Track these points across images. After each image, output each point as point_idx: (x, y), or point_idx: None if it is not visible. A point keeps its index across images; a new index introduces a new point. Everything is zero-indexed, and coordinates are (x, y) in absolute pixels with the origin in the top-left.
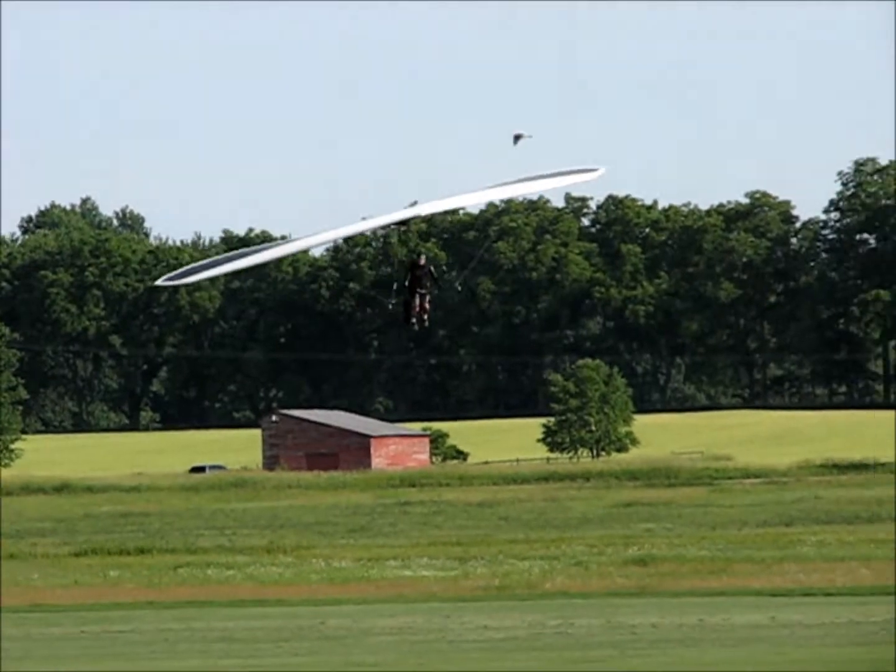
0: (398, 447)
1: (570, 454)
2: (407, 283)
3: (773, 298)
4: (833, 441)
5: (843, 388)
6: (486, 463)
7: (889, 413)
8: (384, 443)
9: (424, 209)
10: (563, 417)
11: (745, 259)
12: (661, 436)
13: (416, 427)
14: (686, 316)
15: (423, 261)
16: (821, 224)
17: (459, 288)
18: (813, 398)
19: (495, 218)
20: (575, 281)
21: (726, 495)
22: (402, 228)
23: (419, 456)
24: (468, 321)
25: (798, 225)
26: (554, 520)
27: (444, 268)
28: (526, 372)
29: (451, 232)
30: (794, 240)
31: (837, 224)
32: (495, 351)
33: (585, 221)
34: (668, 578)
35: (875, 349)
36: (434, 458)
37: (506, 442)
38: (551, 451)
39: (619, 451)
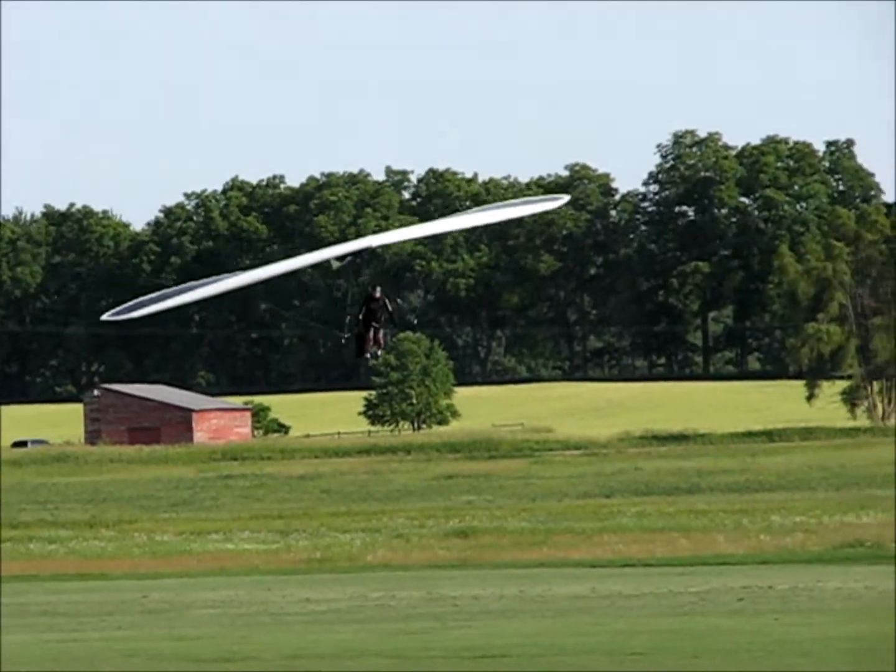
0: (220, 421)
1: (392, 427)
2: (361, 317)
3: (592, 271)
4: (652, 412)
5: (663, 360)
6: (308, 436)
7: (707, 384)
8: (206, 417)
9: (376, 240)
10: (385, 391)
11: (564, 232)
12: (481, 408)
13: (237, 401)
14: (506, 289)
15: (377, 293)
16: (640, 196)
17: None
18: (633, 370)
19: (316, 192)
20: (396, 254)
21: (546, 467)
22: (357, 260)
23: (241, 430)
24: (290, 295)
25: (617, 197)
26: (375, 492)
27: (399, 300)
28: (347, 346)
29: (272, 206)
30: (613, 212)
31: (656, 196)
32: (317, 324)
33: (406, 195)
34: (488, 550)
35: (694, 321)
36: (256, 432)
37: (327, 415)
38: (372, 424)
39: (440, 423)
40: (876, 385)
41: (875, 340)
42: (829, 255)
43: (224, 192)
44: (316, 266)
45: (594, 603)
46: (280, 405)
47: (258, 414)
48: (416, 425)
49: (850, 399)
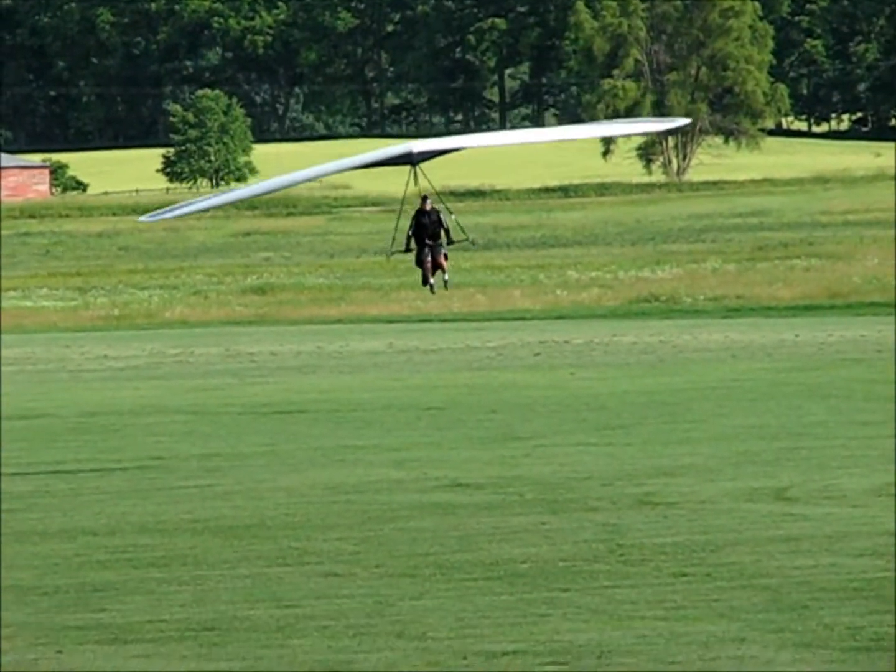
0: (18, 178)
1: (190, 184)
2: (411, 233)
3: (390, 28)
4: (449, 168)
5: (460, 116)
6: (106, 194)
7: None
8: (4, 175)
9: (417, 146)
10: (183, 148)
11: None
12: (279, 165)
13: (36, 158)
14: (304, 45)
15: (428, 205)
16: None
17: None
18: (430, 126)
19: None
20: (194, 12)
21: (344, 224)
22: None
23: (39, 187)
24: (88, 52)
25: None
26: (173, 249)
27: (452, 213)
28: (145, 103)
29: None
30: None
31: None
32: (115, 82)
33: None
34: (286, 307)
35: (490, 77)
36: (54, 190)
37: (125, 173)
38: (171, 181)
39: (238, 180)
40: (671, 140)
41: (670, 96)
42: (625, 11)
43: None
44: (114, 24)
45: (391, 358)
46: (78, 163)
47: (56, 172)
48: (214, 182)
49: (646, 155)
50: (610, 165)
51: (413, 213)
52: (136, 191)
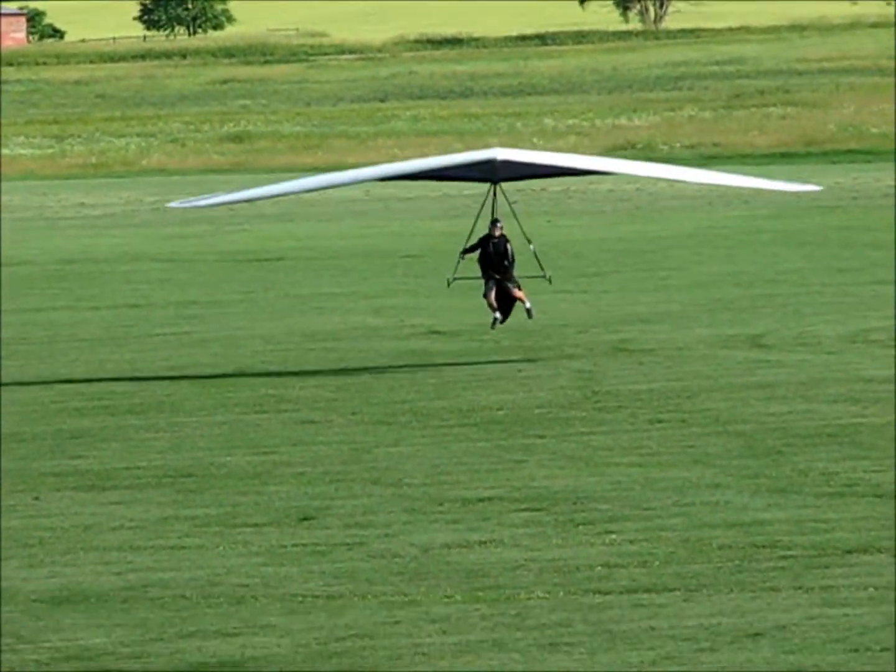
0: None
1: (167, 32)
2: (479, 261)
3: None
4: (427, 17)
5: None
6: (84, 41)
7: None
8: None
9: (502, 153)
10: None
11: None
12: (257, 13)
13: (12, 6)
14: None
15: (497, 232)
16: None
17: None
18: None
19: None
20: None
21: (321, 71)
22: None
23: (16, 35)
24: None
25: None
26: (151, 97)
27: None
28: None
29: None
30: None
31: None
32: None
33: None
34: (263, 154)
35: None
36: (31, 37)
37: (103, 21)
38: (148, 29)
39: (215, 28)
40: None
41: None
42: None
43: None
44: None
45: (368, 206)
46: (56, 10)
47: (33, 19)
48: (191, 30)
49: (623, 2)
50: (587, 13)
51: (481, 238)
52: (114, 38)
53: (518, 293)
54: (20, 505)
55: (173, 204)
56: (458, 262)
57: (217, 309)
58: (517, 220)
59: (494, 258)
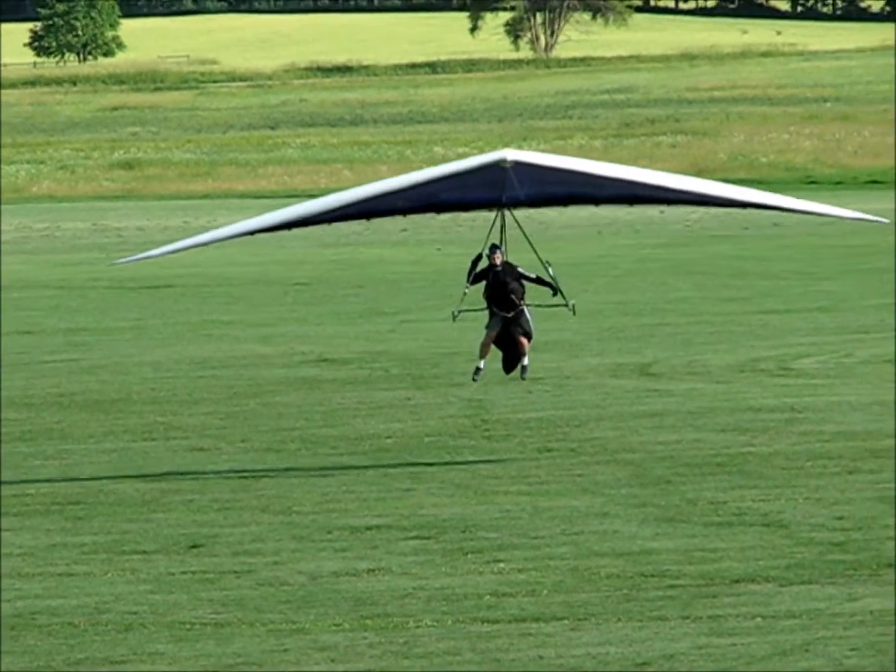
0: None
1: (57, 59)
2: (484, 296)
3: None
4: (318, 44)
5: None
6: None
7: (372, 15)
8: None
9: (511, 154)
10: (51, 22)
11: None
12: (147, 40)
13: None
14: None
15: (497, 259)
16: None
17: None
18: (298, 1)
19: None
20: None
21: (212, 99)
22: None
23: None
24: None
25: None
26: (41, 124)
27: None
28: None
29: None
30: None
31: None
32: None
33: None
34: (153, 182)
35: None
36: None
37: None
38: (38, 55)
39: (105, 55)
40: (539, 17)
41: None
42: None
43: None
44: None
45: (256, 235)
46: None
47: None
48: (82, 57)
49: (514, 31)
50: (477, 41)
51: (482, 270)
52: (5, 65)
53: (522, 342)
54: None
55: (120, 261)
56: (464, 293)
57: (106, 336)
58: (529, 241)
59: (497, 292)
